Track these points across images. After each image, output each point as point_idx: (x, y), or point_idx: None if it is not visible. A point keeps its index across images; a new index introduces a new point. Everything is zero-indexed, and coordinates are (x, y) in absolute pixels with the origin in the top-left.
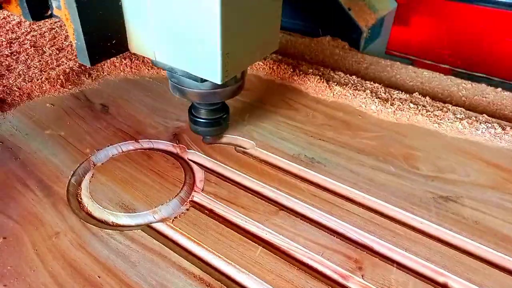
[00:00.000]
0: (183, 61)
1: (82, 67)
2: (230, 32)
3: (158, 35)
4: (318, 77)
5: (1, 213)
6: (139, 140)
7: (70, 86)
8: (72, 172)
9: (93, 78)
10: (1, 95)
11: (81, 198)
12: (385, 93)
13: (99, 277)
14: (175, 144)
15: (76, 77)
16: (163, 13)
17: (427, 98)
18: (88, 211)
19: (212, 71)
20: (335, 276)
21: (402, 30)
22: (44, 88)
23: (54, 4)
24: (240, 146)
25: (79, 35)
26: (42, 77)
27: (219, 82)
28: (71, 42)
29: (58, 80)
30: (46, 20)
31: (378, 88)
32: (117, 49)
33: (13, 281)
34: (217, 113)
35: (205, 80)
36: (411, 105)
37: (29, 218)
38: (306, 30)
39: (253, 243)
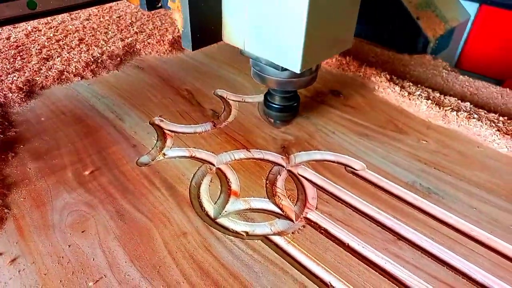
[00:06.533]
0: (268, 52)
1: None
2: (312, 29)
3: (249, 29)
4: (428, 100)
5: (133, 207)
6: (250, 150)
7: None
8: (192, 174)
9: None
10: None
11: (202, 201)
12: (503, 124)
13: (226, 282)
14: (284, 157)
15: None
16: (256, 11)
17: None
18: (209, 214)
19: (293, 61)
20: None
21: None
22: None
23: None
24: (350, 166)
25: (187, 24)
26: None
27: (298, 71)
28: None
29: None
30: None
31: (495, 118)
32: (213, 38)
33: (149, 272)
34: (290, 100)
35: (285, 69)
36: None
37: (159, 216)
38: (373, 36)
39: (373, 271)
